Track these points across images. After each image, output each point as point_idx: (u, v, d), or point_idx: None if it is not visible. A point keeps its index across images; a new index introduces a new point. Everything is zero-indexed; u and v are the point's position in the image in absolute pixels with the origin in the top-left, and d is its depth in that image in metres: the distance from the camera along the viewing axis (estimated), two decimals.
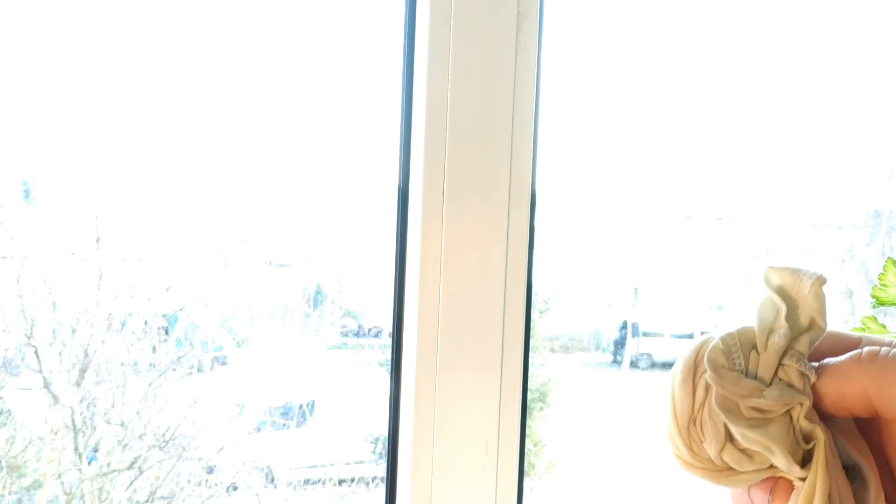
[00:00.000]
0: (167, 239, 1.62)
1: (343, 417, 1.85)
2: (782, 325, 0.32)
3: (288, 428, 1.74)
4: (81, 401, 1.47)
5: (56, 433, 1.45)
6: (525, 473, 0.84)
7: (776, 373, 0.32)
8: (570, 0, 1.42)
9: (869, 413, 0.31)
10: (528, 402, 0.84)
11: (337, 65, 1.56)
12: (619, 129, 1.89)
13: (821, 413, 0.32)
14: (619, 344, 2.21)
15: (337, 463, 1.76)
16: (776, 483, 0.32)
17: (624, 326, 2.21)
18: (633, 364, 2.17)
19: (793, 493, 0.32)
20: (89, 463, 1.47)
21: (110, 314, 1.50)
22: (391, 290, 0.83)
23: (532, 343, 1.97)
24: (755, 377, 0.32)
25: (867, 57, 1.76)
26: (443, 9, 0.75)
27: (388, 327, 1.28)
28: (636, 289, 2.25)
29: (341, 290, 1.84)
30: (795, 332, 0.33)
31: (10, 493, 1.43)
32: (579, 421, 2.07)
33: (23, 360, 1.46)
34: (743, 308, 2.32)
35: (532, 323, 0.85)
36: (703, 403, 0.32)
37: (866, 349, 0.32)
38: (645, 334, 2.21)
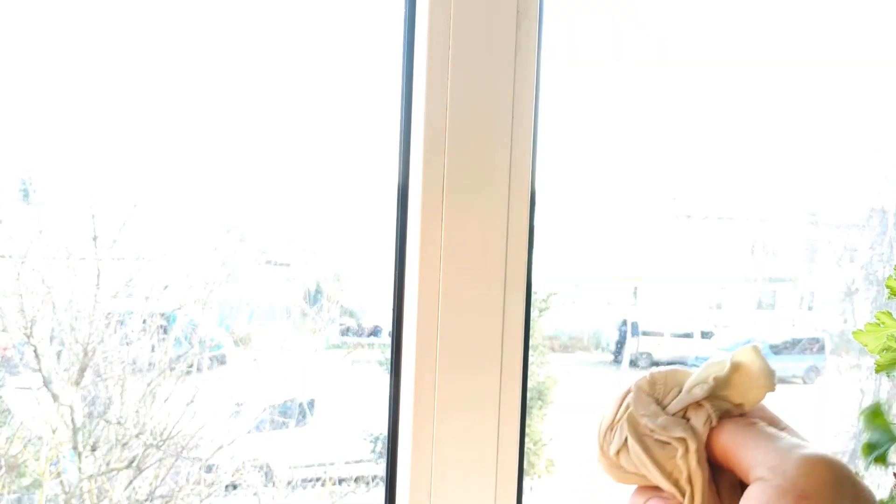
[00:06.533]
0: (165, 237, 1.62)
1: (342, 416, 1.85)
2: (709, 383, 0.39)
3: (287, 427, 1.74)
4: (81, 400, 1.47)
5: (55, 432, 1.45)
6: (525, 472, 0.84)
7: (686, 412, 0.39)
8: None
9: (729, 467, 0.37)
10: (527, 401, 0.83)
11: (337, 64, 1.56)
12: (619, 127, 1.89)
13: (713, 460, 0.38)
14: (619, 343, 2.21)
15: (336, 462, 1.76)
16: (672, 500, 0.38)
17: (624, 325, 2.21)
18: (633, 363, 2.17)
19: None
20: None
21: (109, 313, 1.50)
22: (391, 288, 0.83)
23: (532, 342, 1.97)
24: (663, 409, 0.39)
25: (867, 54, 1.76)
26: (442, 8, 0.75)
27: (387, 326, 1.28)
28: (636, 288, 2.25)
29: (341, 288, 1.84)
30: (719, 394, 0.39)
31: (9, 492, 1.43)
32: (579, 420, 2.07)
33: (21, 359, 1.46)
34: (742, 307, 2.33)
35: (532, 321, 0.86)
36: (620, 416, 0.40)
37: (746, 418, 0.38)
38: (645, 333, 2.21)
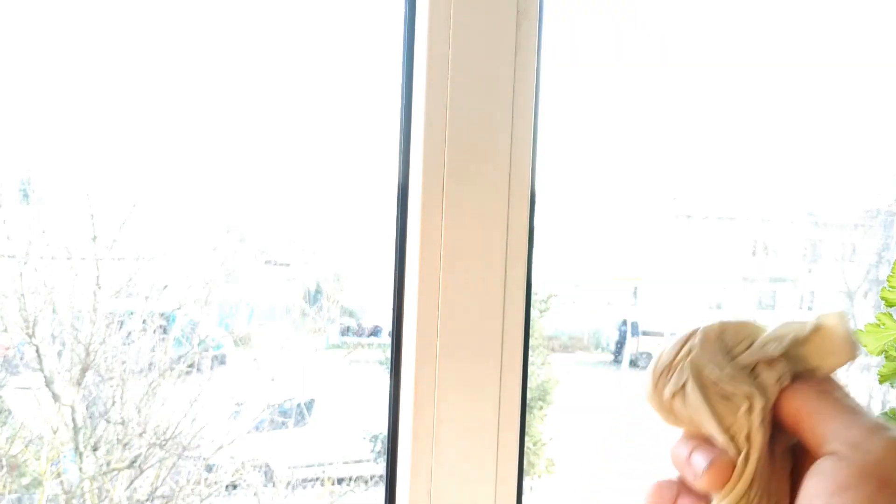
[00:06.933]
0: (165, 237, 1.62)
1: (342, 416, 1.85)
2: (787, 341, 0.36)
3: (286, 427, 1.74)
4: (82, 400, 1.47)
5: (56, 432, 1.45)
6: (525, 472, 0.84)
7: (755, 368, 0.36)
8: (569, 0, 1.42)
9: (797, 433, 0.35)
10: (527, 401, 0.84)
11: (337, 64, 1.56)
12: (619, 127, 1.89)
13: (776, 420, 0.35)
14: (619, 343, 2.21)
15: (336, 462, 1.76)
16: (719, 457, 0.35)
17: (624, 325, 2.21)
18: (633, 363, 2.17)
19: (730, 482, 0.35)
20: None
21: (110, 313, 1.50)
22: (391, 288, 0.83)
23: (532, 342, 1.98)
24: (731, 360, 0.36)
25: (867, 54, 1.76)
26: (442, 9, 0.75)
27: (387, 326, 1.29)
28: (636, 288, 2.25)
29: (341, 288, 1.84)
30: (794, 354, 0.36)
31: (10, 492, 1.43)
32: (579, 420, 2.07)
33: (22, 359, 1.46)
34: (742, 307, 2.33)
35: (532, 322, 0.86)
36: (682, 358, 0.37)
37: (821, 383, 0.35)
38: (644, 333, 2.21)
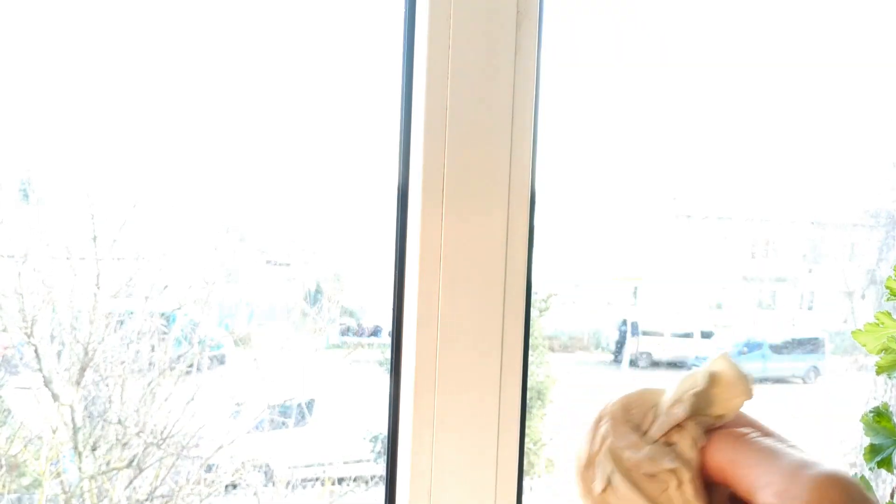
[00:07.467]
0: (165, 237, 1.62)
1: (342, 416, 1.85)
2: (689, 400, 0.36)
3: (286, 427, 1.74)
4: (82, 399, 1.47)
5: (55, 431, 1.45)
6: (524, 472, 0.84)
7: (668, 436, 0.36)
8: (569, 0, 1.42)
9: (728, 486, 0.34)
10: (527, 401, 0.84)
11: (337, 64, 1.56)
12: (619, 127, 1.89)
13: (707, 479, 0.35)
14: (619, 343, 2.21)
15: (335, 462, 1.76)
16: None
17: (624, 325, 2.21)
18: (633, 363, 2.17)
19: None
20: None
21: (109, 313, 1.50)
22: (391, 288, 0.83)
23: (531, 342, 1.98)
24: (643, 435, 0.36)
25: (867, 54, 1.76)
26: (442, 9, 0.75)
27: (387, 326, 1.29)
28: (636, 288, 2.25)
29: (341, 288, 1.84)
30: (700, 411, 0.36)
31: (9, 492, 1.43)
32: (579, 420, 2.07)
33: (21, 358, 1.46)
34: (742, 307, 2.33)
35: (532, 321, 0.86)
36: (598, 450, 0.36)
37: (735, 430, 0.35)
38: (644, 333, 2.21)
